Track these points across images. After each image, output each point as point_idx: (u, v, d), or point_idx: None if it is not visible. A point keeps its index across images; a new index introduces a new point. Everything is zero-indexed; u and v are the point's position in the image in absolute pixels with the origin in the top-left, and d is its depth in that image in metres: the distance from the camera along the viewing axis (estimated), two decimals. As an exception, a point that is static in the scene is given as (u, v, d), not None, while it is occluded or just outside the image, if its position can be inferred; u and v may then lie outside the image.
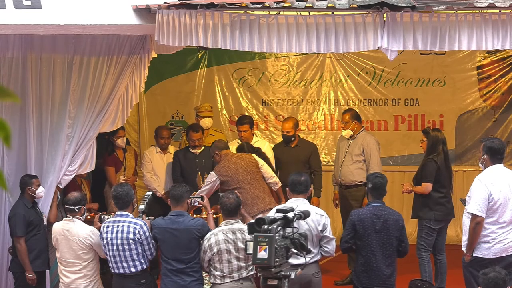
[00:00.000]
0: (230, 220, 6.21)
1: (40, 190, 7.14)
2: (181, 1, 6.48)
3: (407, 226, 10.23)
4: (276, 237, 5.31)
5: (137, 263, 6.36)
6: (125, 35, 7.36)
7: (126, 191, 6.46)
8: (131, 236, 6.32)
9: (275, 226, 5.36)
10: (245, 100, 11.01)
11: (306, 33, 6.46)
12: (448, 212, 7.95)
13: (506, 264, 6.28)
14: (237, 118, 9.64)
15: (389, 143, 10.66)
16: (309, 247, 5.68)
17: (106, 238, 6.39)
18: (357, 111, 9.33)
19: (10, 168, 7.46)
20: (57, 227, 6.73)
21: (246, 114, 10.51)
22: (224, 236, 6.13)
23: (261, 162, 7.98)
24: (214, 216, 7.26)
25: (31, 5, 6.63)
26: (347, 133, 8.75)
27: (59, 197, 7.51)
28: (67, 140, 7.46)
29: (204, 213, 7.26)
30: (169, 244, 6.28)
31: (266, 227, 5.34)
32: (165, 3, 6.47)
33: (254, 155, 8.04)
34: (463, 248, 6.52)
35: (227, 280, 6.14)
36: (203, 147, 8.84)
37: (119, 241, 6.33)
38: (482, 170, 6.55)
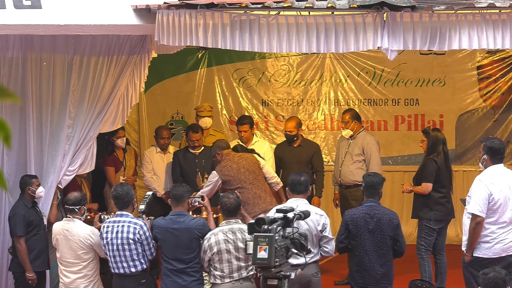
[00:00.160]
0: (230, 220, 6.21)
1: (40, 190, 7.14)
2: (181, 1, 6.48)
3: (407, 226, 10.41)
4: (276, 237, 5.31)
5: (137, 263, 6.36)
6: (125, 35, 7.36)
7: (126, 191, 6.46)
8: (131, 236, 6.32)
9: (275, 226, 5.36)
10: (245, 100, 11.01)
11: (306, 33, 6.46)
12: (448, 212, 7.95)
13: (506, 264, 6.28)
14: (237, 118, 9.64)
15: (389, 143, 10.66)
16: (309, 247, 5.68)
17: (106, 238, 6.39)
18: (357, 111, 9.33)
19: (10, 168, 7.46)
20: (57, 227, 6.73)
21: (246, 114, 10.51)
22: (224, 236, 6.13)
23: (262, 162, 7.98)
24: (214, 216, 7.26)
25: (31, 5, 6.63)
26: (347, 133, 8.76)
27: (59, 197, 7.51)
28: (67, 140, 7.46)
29: (204, 213, 7.26)
30: (169, 244, 6.28)
31: (266, 227, 5.34)
32: (165, 3, 6.47)
33: (255, 155, 8.05)
34: (463, 248, 6.52)
35: (227, 280, 6.14)
36: (202, 147, 8.84)
37: (119, 241, 6.33)
38: (482, 170, 6.55)
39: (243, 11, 6.49)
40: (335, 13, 6.49)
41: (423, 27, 6.43)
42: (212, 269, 6.20)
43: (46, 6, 6.65)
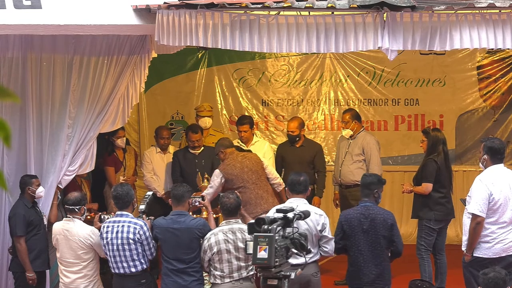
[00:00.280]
0: (230, 220, 6.21)
1: (40, 190, 7.14)
2: (181, 1, 6.48)
3: (407, 226, 10.42)
4: (276, 237, 5.31)
5: (137, 263, 6.36)
6: (125, 35, 7.36)
7: (126, 191, 6.46)
8: (131, 236, 6.32)
9: (275, 226, 5.36)
10: (245, 100, 11.01)
11: (306, 33, 6.46)
12: (448, 212, 7.95)
13: (506, 264, 6.28)
14: (237, 118, 9.64)
15: (389, 143, 10.66)
16: (308, 247, 5.68)
17: (106, 238, 6.39)
18: (357, 111, 9.33)
19: (10, 168, 7.46)
20: (57, 227, 6.73)
21: (246, 114, 10.51)
22: (224, 236, 6.13)
23: (266, 162, 7.98)
24: (214, 216, 7.26)
25: (31, 5, 6.63)
26: (347, 133, 8.76)
27: (59, 197, 7.51)
28: (67, 140, 7.46)
29: (204, 213, 7.25)
30: (170, 244, 6.28)
31: (266, 227, 5.34)
32: (165, 3, 6.47)
33: (260, 155, 8.06)
34: (463, 248, 6.52)
35: (227, 280, 6.14)
36: (202, 148, 8.84)
37: (119, 241, 6.33)
38: (482, 170, 6.55)
39: (243, 11, 6.49)
40: (335, 13, 6.49)
41: (423, 27, 6.43)
42: (212, 269, 6.20)
43: (46, 6, 6.65)
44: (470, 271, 6.45)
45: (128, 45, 7.49)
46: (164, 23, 6.43)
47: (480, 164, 6.62)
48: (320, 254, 6.34)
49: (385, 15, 6.40)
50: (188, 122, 10.25)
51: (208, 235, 6.18)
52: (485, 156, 6.49)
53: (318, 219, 6.21)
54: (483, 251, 6.40)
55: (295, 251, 5.53)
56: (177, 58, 10.10)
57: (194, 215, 6.99)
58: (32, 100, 7.43)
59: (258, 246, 5.26)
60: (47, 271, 7.31)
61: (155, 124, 10.18)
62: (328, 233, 6.26)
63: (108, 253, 6.40)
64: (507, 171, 6.54)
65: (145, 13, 6.64)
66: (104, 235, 6.40)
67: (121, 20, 6.68)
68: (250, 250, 5.36)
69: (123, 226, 6.35)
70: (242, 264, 6.13)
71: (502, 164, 6.52)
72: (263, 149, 8.73)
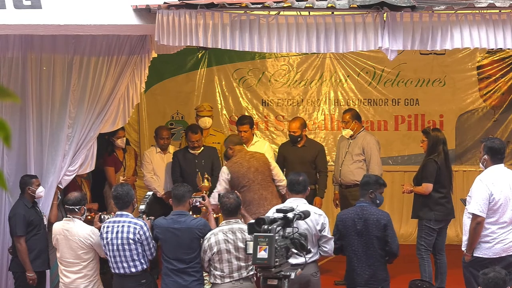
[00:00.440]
0: (230, 220, 6.21)
1: (40, 190, 7.14)
2: (181, 1, 6.48)
3: (407, 226, 10.42)
4: (276, 237, 5.31)
5: (137, 263, 6.36)
6: (125, 35, 7.36)
7: (126, 191, 6.46)
8: (131, 236, 6.32)
9: (275, 226, 5.36)
10: (245, 100, 11.01)
11: (306, 33, 6.46)
12: (448, 212, 7.95)
13: (506, 264, 6.28)
14: (237, 118, 9.64)
15: (389, 143, 10.66)
16: (308, 247, 5.68)
17: (106, 238, 6.38)
18: (357, 111, 9.33)
19: (10, 168, 7.46)
20: (57, 227, 6.74)
21: (246, 114, 10.51)
22: (224, 236, 6.13)
23: (273, 164, 7.97)
24: (214, 216, 7.26)
25: (31, 5, 6.63)
26: (347, 132, 8.77)
27: (60, 197, 7.51)
28: (67, 140, 7.46)
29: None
30: (170, 244, 6.28)
31: (266, 227, 5.34)
32: (165, 3, 6.47)
33: (268, 155, 8.07)
34: (463, 248, 6.52)
35: (227, 280, 6.14)
36: (202, 148, 8.85)
37: (119, 241, 6.33)
38: (482, 170, 6.55)
39: (243, 11, 6.49)
40: (335, 13, 6.48)
41: (423, 27, 6.43)
42: (212, 269, 6.20)
43: (46, 6, 6.65)
44: (470, 271, 6.45)
45: (128, 45, 7.49)
46: (164, 23, 6.43)
47: (481, 164, 6.62)
48: (320, 254, 6.34)
49: (385, 15, 6.40)
50: (188, 122, 10.25)
51: (208, 235, 6.18)
52: (486, 156, 6.49)
53: (317, 219, 6.22)
54: (483, 251, 6.40)
55: (295, 251, 5.53)
56: (177, 58, 10.10)
57: (194, 215, 6.99)
58: (32, 100, 7.43)
59: (258, 246, 5.26)
60: (47, 271, 7.31)
61: (155, 124, 10.18)
62: (327, 233, 6.27)
63: (108, 253, 6.40)
64: (507, 171, 6.54)
65: (145, 13, 6.64)
66: (104, 235, 6.40)
67: (121, 20, 6.68)
68: (250, 250, 5.37)
69: (123, 226, 6.35)
70: (242, 264, 6.13)
71: (502, 164, 6.52)
72: (263, 149, 8.73)
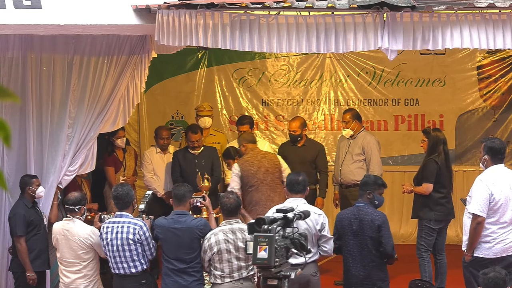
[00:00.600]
0: (230, 220, 6.21)
1: (40, 190, 7.14)
2: (181, 1, 6.48)
3: (407, 226, 10.41)
4: (276, 237, 5.31)
5: (137, 263, 6.36)
6: (125, 35, 7.36)
7: (126, 192, 6.46)
8: (131, 236, 6.31)
9: (275, 226, 5.36)
10: (245, 100, 11.01)
11: (306, 33, 6.46)
12: (448, 212, 7.95)
13: (507, 264, 6.28)
14: (237, 118, 9.64)
15: (389, 143, 10.66)
16: (308, 247, 5.68)
17: (106, 238, 6.38)
18: (357, 111, 9.32)
19: (10, 168, 7.46)
20: (57, 227, 6.74)
21: (246, 114, 10.51)
22: (224, 236, 6.13)
23: (284, 165, 7.93)
24: (214, 216, 7.26)
25: (31, 5, 6.63)
26: (347, 132, 8.77)
27: (60, 197, 7.51)
28: (68, 140, 7.46)
29: (204, 213, 7.25)
30: (171, 244, 6.28)
31: (266, 227, 5.34)
32: (165, 3, 6.47)
33: (279, 156, 8.06)
34: (464, 248, 6.52)
35: (227, 280, 6.14)
36: (202, 148, 8.84)
37: (119, 242, 6.33)
38: (483, 170, 6.55)
39: (243, 11, 6.49)
40: (335, 13, 6.48)
41: (423, 27, 6.43)
42: (212, 269, 6.20)
43: (46, 6, 6.65)
44: (470, 271, 6.45)
45: (128, 45, 7.49)
46: (164, 23, 6.43)
47: (481, 164, 6.62)
48: (320, 253, 6.34)
49: (385, 15, 6.40)
50: (188, 122, 10.25)
51: (208, 235, 6.18)
52: (486, 156, 6.49)
53: (317, 218, 6.22)
54: (484, 251, 6.40)
55: (295, 251, 5.53)
56: (177, 58, 10.10)
57: (194, 215, 6.99)
58: (32, 100, 7.43)
59: (258, 246, 5.26)
60: (47, 271, 7.31)
61: (155, 124, 10.18)
62: (327, 232, 6.27)
63: (108, 254, 6.40)
64: (507, 171, 6.54)
65: (145, 13, 6.64)
66: (104, 236, 6.40)
67: (121, 20, 6.68)
68: (250, 250, 5.37)
69: (122, 226, 6.35)
70: (242, 264, 6.13)
71: (502, 164, 6.52)
72: (263, 149, 8.72)
